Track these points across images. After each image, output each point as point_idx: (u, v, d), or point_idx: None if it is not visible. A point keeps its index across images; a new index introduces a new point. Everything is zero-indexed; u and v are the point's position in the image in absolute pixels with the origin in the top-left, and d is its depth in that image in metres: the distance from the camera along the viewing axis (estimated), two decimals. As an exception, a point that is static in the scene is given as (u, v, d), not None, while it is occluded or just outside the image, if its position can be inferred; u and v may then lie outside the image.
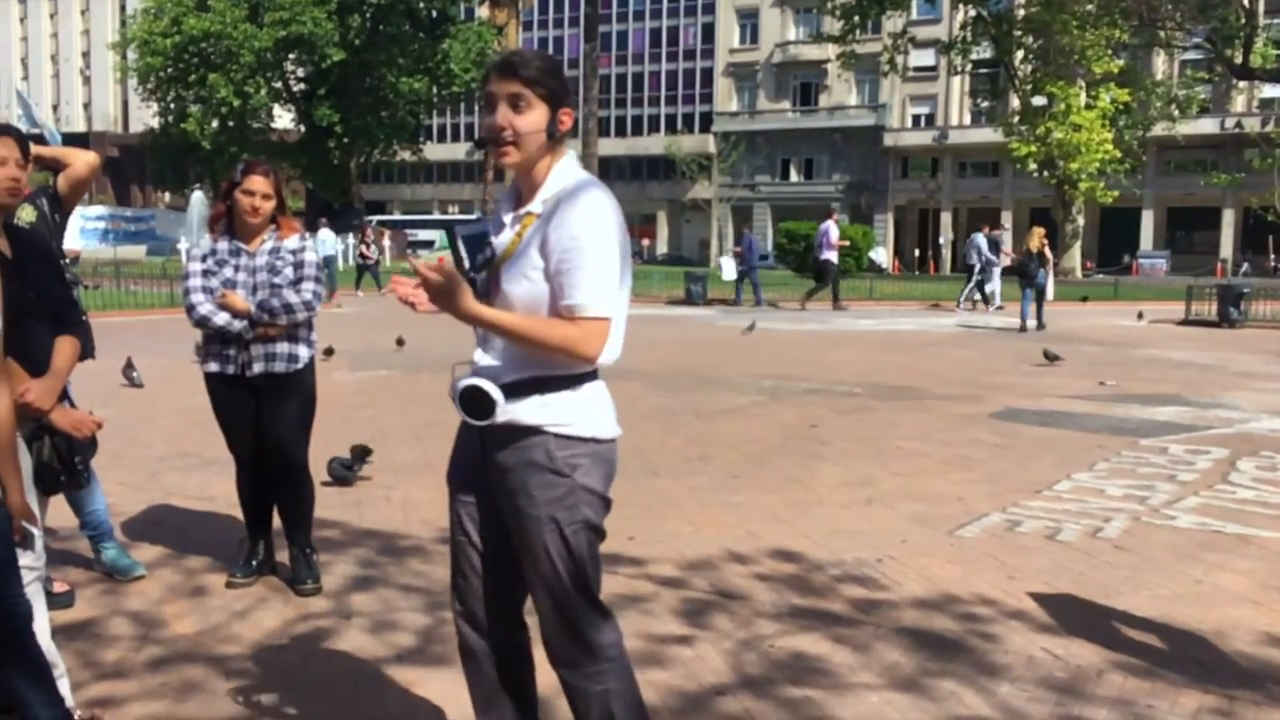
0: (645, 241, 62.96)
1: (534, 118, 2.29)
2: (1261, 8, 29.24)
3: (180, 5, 49.12)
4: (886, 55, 38.18)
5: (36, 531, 2.77)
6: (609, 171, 56.77)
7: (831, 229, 21.61)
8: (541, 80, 2.28)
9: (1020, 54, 37.38)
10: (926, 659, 3.61)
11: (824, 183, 60.04)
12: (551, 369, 2.29)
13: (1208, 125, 47.13)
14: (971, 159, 55.66)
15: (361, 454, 6.11)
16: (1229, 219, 50.00)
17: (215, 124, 50.70)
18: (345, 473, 6.00)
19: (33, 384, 2.87)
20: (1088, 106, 36.51)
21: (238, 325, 4.09)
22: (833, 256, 21.57)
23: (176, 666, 3.53)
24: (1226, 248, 49.02)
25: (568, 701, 2.49)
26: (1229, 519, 5.40)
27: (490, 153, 2.35)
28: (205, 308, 4.10)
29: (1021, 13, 38.17)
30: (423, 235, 51.93)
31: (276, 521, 4.46)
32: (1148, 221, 51.78)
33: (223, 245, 4.19)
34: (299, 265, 4.18)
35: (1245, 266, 43.51)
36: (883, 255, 48.21)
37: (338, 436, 6.64)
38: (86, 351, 3.47)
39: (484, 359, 2.36)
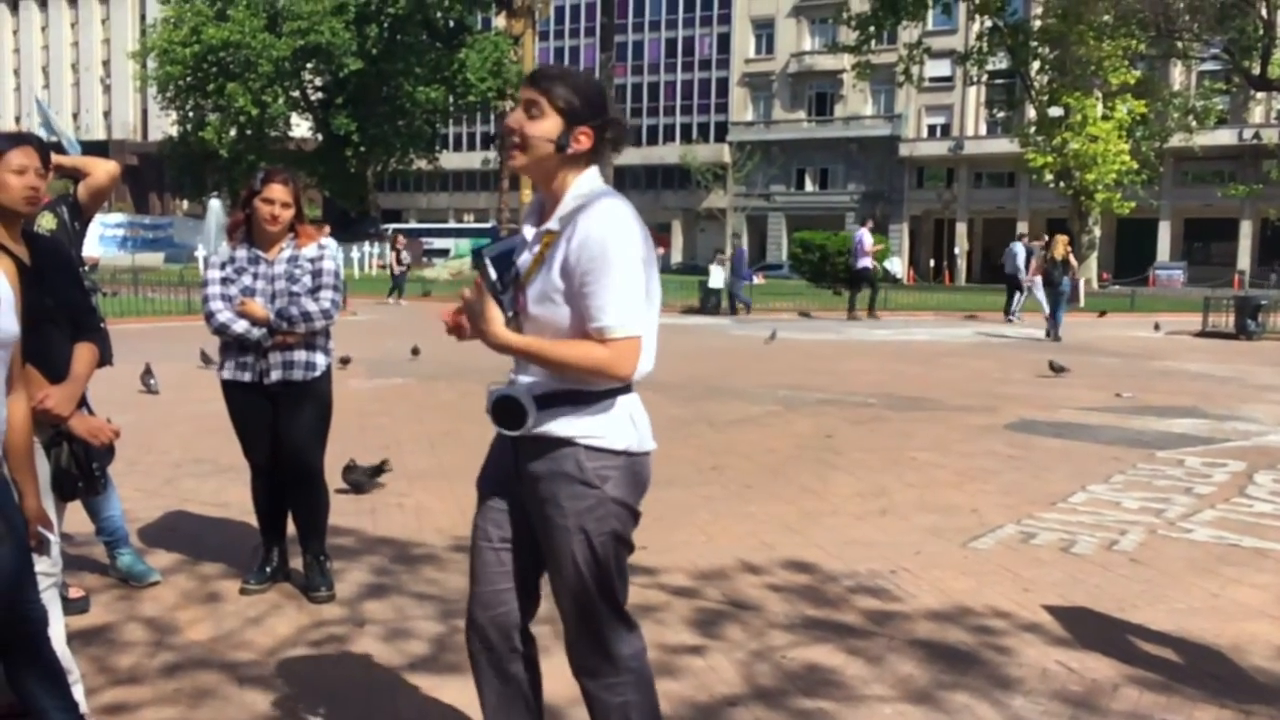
0: (660, 250, 62.84)
1: (545, 126, 2.30)
2: (1280, 18, 29.09)
3: (200, 15, 49.62)
4: (902, 65, 38.11)
5: (53, 537, 2.79)
6: (624, 181, 56.83)
7: (865, 237, 21.67)
8: (558, 92, 2.29)
9: (1036, 64, 37.22)
10: (940, 671, 3.60)
11: (839, 193, 60.01)
12: (584, 383, 2.30)
13: (1225, 136, 46.89)
14: (987, 169, 55.56)
15: (377, 470, 6.14)
16: (1246, 230, 49.76)
17: (233, 133, 51.18)
18: (362, 480, 6.03)
19: (51, 390, 2.89)
20: (1104, 117, 36.32)
21: (256, 333, 4.12)
22: (868, 263, 21.67)
23: (190, 673, 3.54)
24: (1244, 259, 48.74)
25: (588, 711, 2.50)
26: (1246, 532, 5.37)
27: (500, 151, 2.38)
28: (224, 315, 4.13)
29: (1038, 23, 38.07)
30: (438, 244, 52.18)
31: (291, 528, 4.48)
32: (1165, 233, 51.55)
33: (241, 253, 4.21)
34: (317, 274, 4.20)
35: (1275, 277, 43.03)
36: (898, 265, 48.04)
37: (353, 444, 6.66)
38: (105, 358, 3.50)
39: (519, 371, 2.38)
